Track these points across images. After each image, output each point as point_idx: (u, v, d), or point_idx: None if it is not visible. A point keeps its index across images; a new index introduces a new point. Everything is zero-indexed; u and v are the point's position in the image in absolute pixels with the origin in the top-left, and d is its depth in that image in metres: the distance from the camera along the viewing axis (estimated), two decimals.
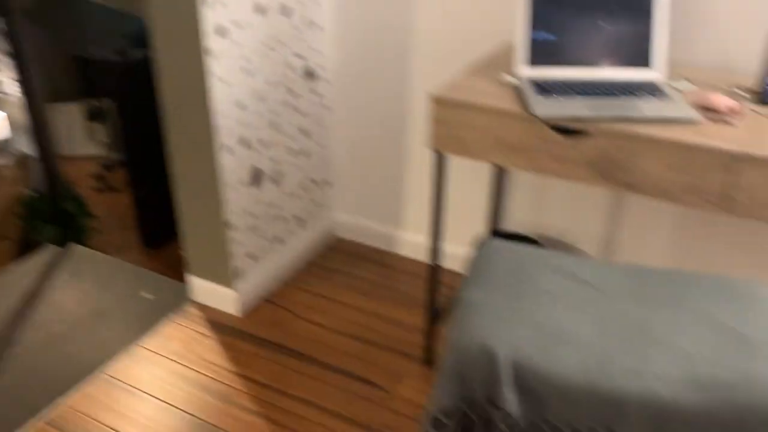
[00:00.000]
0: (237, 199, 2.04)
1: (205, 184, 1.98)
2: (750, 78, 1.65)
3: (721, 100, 1.43)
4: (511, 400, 1.02)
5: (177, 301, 2.24)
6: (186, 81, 1.84)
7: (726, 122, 1.41)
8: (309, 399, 1.86)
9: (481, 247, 1.34)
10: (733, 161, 1.31)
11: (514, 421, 1.02)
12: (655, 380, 1.00)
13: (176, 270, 2.37)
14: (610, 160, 1.42)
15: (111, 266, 2.44)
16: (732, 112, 1.43)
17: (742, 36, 1.68)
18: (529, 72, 1.61)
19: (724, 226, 1.90)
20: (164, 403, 1.84)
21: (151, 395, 1.87)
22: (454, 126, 1.55)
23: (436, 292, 1.87)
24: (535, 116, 1.44)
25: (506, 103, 1.50)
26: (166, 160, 2.19)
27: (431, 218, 1.73)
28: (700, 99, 1.49)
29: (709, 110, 1.46)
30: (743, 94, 1.54)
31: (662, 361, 1.03)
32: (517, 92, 1.56)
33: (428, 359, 1.99)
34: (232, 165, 1.98)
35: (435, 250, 1.77)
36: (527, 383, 1.03)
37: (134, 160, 2.58)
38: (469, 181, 2.24)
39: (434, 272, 1.82)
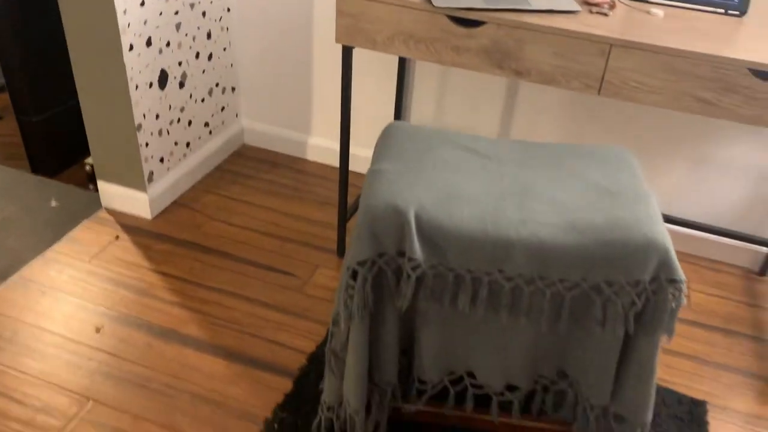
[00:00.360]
0: (145, 102, 2.04)
1: (112, 87, 1.97)
2: None
3: None
4: (417, 250, 1.16)
5: (88, 208, 2.24)
6: None
7: (603, 13, 1.57)
8: (226, 289, 1.96)
9: (387, 128, 1.46)
10: (608, 47, 1.48)
11: (420, 267, 1.17)
12: (537, 226, 1.18)
13: (81, 185, 2.36)
14: (502, 49, 1.56)
15: (14, 177, 2.38)
16: (606, 3, 1.59)
17: None
18: None
19: (599, 106, 2.11)
20: (83, 301, 1.88)
21: (69, 294, 1.90)
22: (360, 19, 1.63)
23: (347, 188, 1.98)
24: (435, 7, 1.54)
25: None
26: (54, 79, 2.12)
27: (342, 110, 1.82)
28: None
29: (588, 3, 1.61)
30: None
31: (543, 211, 1.21)
32: None
33: (341, 251, 2.12)
34: (139, 66, 1.97)
35: (346, 140, 1.87)
36: (430, 235, 1.17)
37: (16, 83, 2.42)
38: (374, 88, 2.33)
39: (345, 164, 1.92)
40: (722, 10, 1.66)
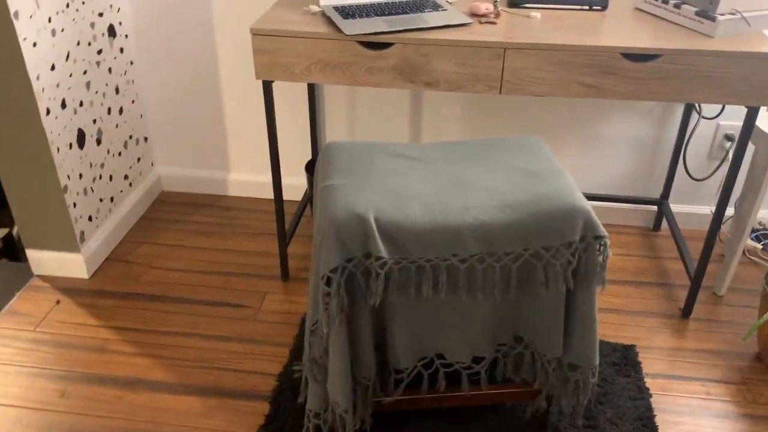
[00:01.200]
0: (68, 163, 2.06)
1: (34, 153, 1.97)
2: None
3: (482, 5, 1.81)
4: (382, 250, 1.30)
5: (18, 278, 2.20)
6: None
7: (491, 22, 1.78)
8: (182, 331, 2.00)
9: (325, 148, 1.59)
10: (503, 50, 1.69)
11: (387, 264, 1.31)
12: (478, 211, 1.34)
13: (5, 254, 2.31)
14: (411, 65, 1.73)
15: None
16: (492, 13, 1.81)
17: None
18: (329, 1, 1.86)
19: (493, 103, 2.34)
20: (39, 369, 1.86)
21: (22, 366, 1.87)
22: (277, 54, 1.76)
23: (283, 214, 2.08)
24: (346, 35, 1.70)
25: (319, 28, 1.74)
26: None
27: (269, 141, 1.92)
28: (469, 8, 1.85)
29: (476, 15, 1.82)
30: (499, 0, 1.93)
31: (480, 197, 1.38)
32: (325, 18, 1.80)
33: (286, 275, 2.22)
34: (57, 129, 1.99)
35: (277, 168, 1.98)
36: (390, 234, 1.31)
37: None
38: (289, 116, 2.45)
39: (279, 192, 2.02)
40: (587, 7, 1.92)
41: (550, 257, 1.35)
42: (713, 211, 2.25)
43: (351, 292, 1.35)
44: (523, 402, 1.73)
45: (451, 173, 1.47)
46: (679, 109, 2.26)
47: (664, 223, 2.48)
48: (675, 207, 2.45)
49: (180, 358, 1.90)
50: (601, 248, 1.35)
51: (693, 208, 2.45)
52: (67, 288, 2.17)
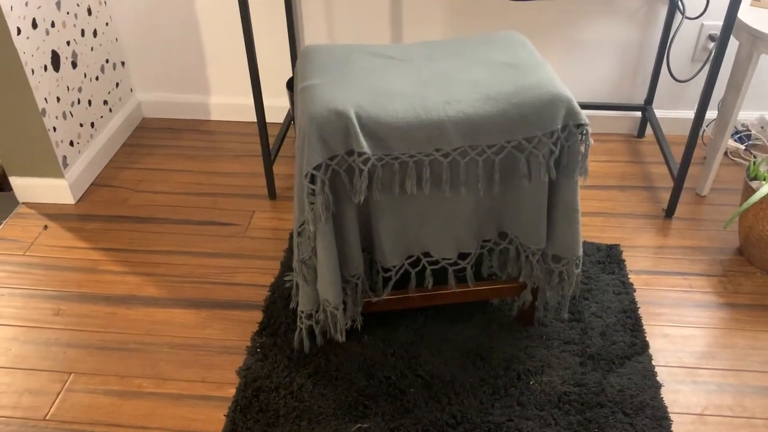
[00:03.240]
0: (44, 86, 2.02)
1: (9, 75, 1.93)
2: None
3: None
4: (364, 147, 1.30)
5: (4, 207, 2.20)
6: None
7: None
8: (172, 249, 2.01)
9: (303, 51, 1.57)
10: None
11: (369, 160, 1.31)
12: (460, 104, 1.34)
13: None
14: None
15: None
16: None
17: None
18: None
19: (482, 6, 2.31)
20: (31, 290, 1.88)
21: (14, 288, 1.89)
22: None
23: (266, 130, 2.06)
24: None
25: None
26: None
27: (248, 58, 1.89)
28: None
29: None
30: None
31: (462, 91, 1.37)
32: None
33: (273, 194, 2.22)
34: (30, 50, 1.94)
35: (258, 88, 1.95)
36: (372, 130, 1.31)
37: None
38: (267, 41, 2.40)
39: (261, 109, 2.00)
40: None
41: (533, 148, 1.35)
42: None
43: (335, 190, 1.35)
44: (509, 298, 1.77)
45: (432, 69, 1.46)
46: (663, 10, 2.23)
47: (649, 129, 2.49)
48: (659, 112, 2.45)
49: (171, 275, 1.92)
50: (583, 137, 1.36)
51: (677, 113, 2.45)
52: (54, 214, 2.17)
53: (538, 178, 1.38)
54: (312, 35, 2.39)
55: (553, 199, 1.44)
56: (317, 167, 1.30)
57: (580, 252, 1.49)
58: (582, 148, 1.37)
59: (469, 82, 1.40)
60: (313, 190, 1.31)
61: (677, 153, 2.37)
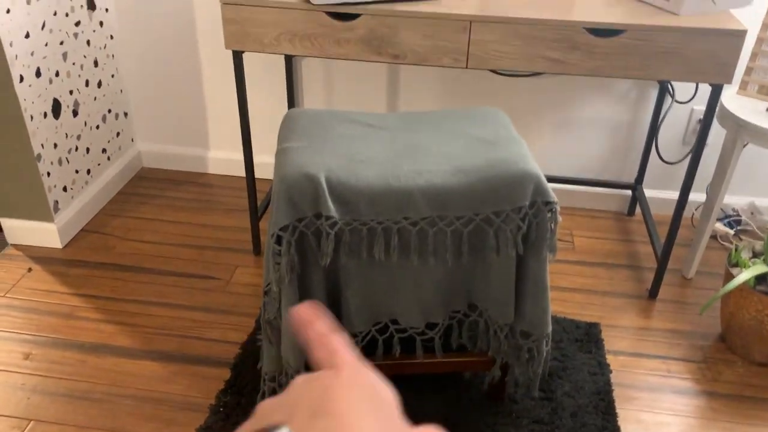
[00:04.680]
0: (42, 132, 2.07)
1: (8, 120, 1.99)
2: None
3: None
4: (331, 209, 1.31)
5: None
6: None
7: None
8: (150, 300, 2.01)
9: (287, 115, 1.60)
10: (468, 23, 1.70)
11: (337, 224, 1.32)
12: (431, 175, 1.36)
13: None
14: (378, 37, 1.75)
15: None
16: None
17: None
18: None
19: (473, 79, 2.36)
20: (6, 332, 1.88)
21: None
22: (246, 24, 1.77)
23: (255, 186, 2.09)
24: (314, 5, 1.71)
25: None
26: None
27: (240, 113, 1.94)
28: None
29: None
30: None
31: (433, 162, 1.39)
32: None
33: (258, 250, 2.23)
34: (31, 97, 2.01)
35: (248, 140, 1.99)
36: (341, 195, 1.32)
37: None
38: (266, 93, 2.47)
39: (250, 164, 2.04)
40: None
41: (501, 222, 1.36)
42: None
43: (303, 252, 1.36)
44: (480, 372, 1.74)
45: (407, 140, 1.48)
46: (653, 93, 2.27)
47: (638, 208, 2.49)
48: (649, 192, 2.46)
49: (146, 326, 1.91)
50: (551, 214, 1.36)
51: (667, 193, 2.45)
52: (40, 257, 2.19)
53: (506, 252, 1.38)
54: (311, 98, 2.45)
55: (522, 274, 1.43)
56: (284, 228, 1.31)
57: (549, 329, 1.47)
58: (550, 226, 1.37)
59: (443, 154, 1.42)
60: (279, 250, 1.32)
61: (665, 233, 2.35)
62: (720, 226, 2.36)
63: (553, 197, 1.35)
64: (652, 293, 2.07)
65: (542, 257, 1.40)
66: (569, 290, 2.10)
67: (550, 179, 2.45)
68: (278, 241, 1.32)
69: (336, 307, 1.49)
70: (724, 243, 2.34)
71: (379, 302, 1.46)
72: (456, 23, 1.70)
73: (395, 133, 1.52)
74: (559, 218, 1.37)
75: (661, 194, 2.46)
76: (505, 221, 1.35)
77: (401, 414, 0.38)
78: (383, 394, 0.37)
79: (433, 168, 1.37)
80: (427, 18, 1.71)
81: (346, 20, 1.73)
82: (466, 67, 1.76)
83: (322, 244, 1.34)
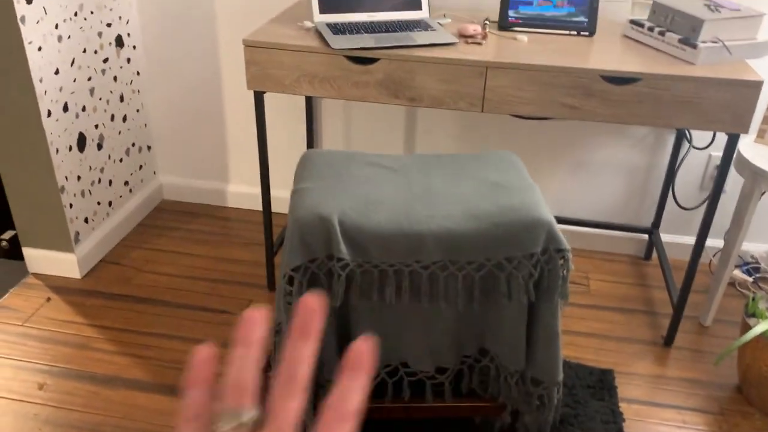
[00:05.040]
0: (66, 164, 2.13)
1: (34, 153, 2.04)
2: (494, 13, 2.10)
3: (471, 27, 1.85)
4: (343, 251, 1.32)
5: (13, 276, 2.26)
6: (1, 51, 1.89)
7: (477, 43, 1.83)
8: (164, 333, 2.03)
9: (304, 156, 1.63)
10: (484, 69, 1.73)
11: (348, 266, 1.33)
12: (443, 219, 1.37)
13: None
14: (395, 80, 1.78)
15: None
16: (479, 35, 1.85)
17: None
18: (324, 18, 1.92)
19: (489, 122, 2.37)
20: (21, 361, 1.91)
21: (6, 357, 1.92)
22: (268, 65, 1.82)
23: (271, 222, 2.12)
24: (333, 50, 1.75)
25: (309, 42, 1.80)
26: None
27: (259, 150, 1.97)
28: (458, 29, 1.90)
29: (464, 36, 1.87)
30: (489, 23, 1.98)
31: (447, 206, 1.40)
32: (317, 33, 1.86)
33: (272, 285, 2.25)
34: (58, 131, 2.06)
35: (266, 180, 2.02)
36: (354, 237, 1.34)
37: None
38: (286, 130, 2.51)
39: (267, 199, 2.06)
40: (575, 32, 1.95)
41: (513, 268, 1.36)
42: None
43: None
44: (490, 417, 1.72)
45: (422, 183, 1.50)
46: (671, 138, 2.27)
47: (656, 253, 2.47)
48: (666, 237, 2.44)
49: (159, 359, 1.93)
50: (564, 261, 1.36)
51: (684, 238, 2.43)
52: (59, 287, 2.22)
53: (518, 298, 1.38)
54: (329, 137, 2.49)
55: (534, 320, 1.42)
56: (296, 268, 1.32)
57: (561, 376, 1.46)
58: (562, 273, 1.37)
59: (456, 198, 1.43)
60: (291, 290, 1.33)
61: (682, 279, 2.33)
62: (738, 273, 2.33)
63: (566, 245, 1.35)
64: (668, 340, 2.04)
65: (554, 304, 1.39)
66: (583, 335, 2.08)
67: (566, 221, 2.44)
68: (290, 281, 1.33)
69: (347, 348, 1.49)
70: (742, 290, 2.30)
71: (390, 345, 1.46)
72: (472, 69, 1.73)
73: (410, 175, 1.54)
74: (572, 266, 1.37)
75: (678, 239, 2.44)
76: (517, 267, 1.36)
77: None
78: None
79: (445, 212, 1.39)
80: (444, 63, 1.74)
81: (364, 64, 1.77)
82: (482, 111, 1.78)
83: (334, 285, 1.35)
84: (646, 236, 2.45)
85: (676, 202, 2.30)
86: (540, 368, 1.45)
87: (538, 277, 1.37)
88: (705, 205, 2.32)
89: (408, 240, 1.34)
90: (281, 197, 2.64)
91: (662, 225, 2.42)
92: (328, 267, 1.35)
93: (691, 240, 2.42)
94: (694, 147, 2.26)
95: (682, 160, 2.27)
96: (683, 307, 1.97)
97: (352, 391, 0.38)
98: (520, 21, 1.95)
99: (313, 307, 0.39)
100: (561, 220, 2.45)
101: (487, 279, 1.38)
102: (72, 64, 2.09)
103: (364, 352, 0.40)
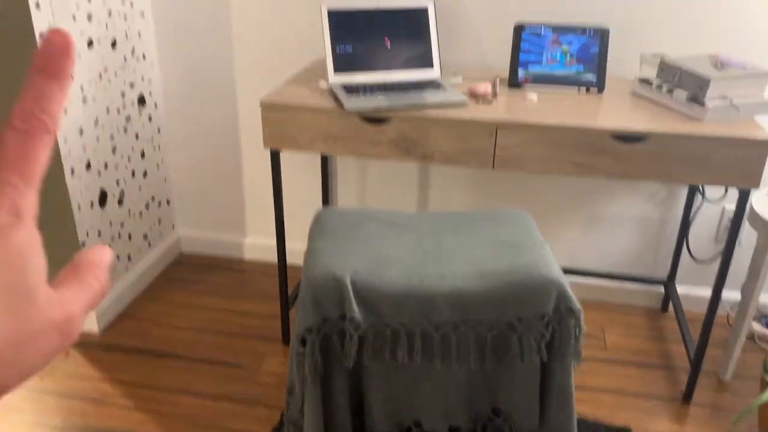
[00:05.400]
0: (88, 220, 2.18)
1: (56, 208, 2.10)
2: (504, 71, 2.16)
3: (481, 86, 1.90)
4: (356, 311, 1.34)
5: None
6: None
7: (487, 102, 1.87)
8: (180, 387, 2.04)
9: (318, 214, 1.66)
10: (495, 128, 1.76)
11: (360, 327, 1.35)
12: (454, 278, 1.38)
13: None
14: (408, 138, 1.82)
15: None
16: (489, 94, 1.90)
17: (493, 43, 2.19)
18: (338, 78, 1.98)
19: (501, 177, 2.40)
20: (38, 417, 1.92)
21: (23, 413, 1.94)
22: (284, 125, 1.87)
23: (286, 277, 2.14)
24: (347, 110, 1.80)
25: (324, 102, 1.85)
26: None
27: (275, 207, 2.01)
28: (468, 88, 1.94)
29: (475, 95, 1.91)
30: (499, 82, 2.02)
31: (457, 266, 1.42)
32: (331, 94, 1.92)
33: (286, 339, 2.26)
34: (80, 188, 2.12)
35: (282, 236, 2.06)
36: (366, 297, 1.36)
37: None
38: (302, 184, 2.56)
39: (283, 254, 2.09)
40: (585, 89, 1.99)
41: (524, 328, 1.37)
42: None
43: (327, 353, 1.38)
44: None
45: (433, 241, 1.52)
46: (683, 191, 2.28)
47: (672, 305, 2.45)
48: (681, 288, 2.42)
49: (173, 414, 1.93)
50: (575, 321, 1.36)
51: (700, 290, 2.42)
52: (78, 341, 2.25)
53: (530, 358, 1.38)
54: (344, 192, 2.53)
55: (547, 380, 1.42)
56: (308, 330, 1.34)
57: None
58: (575, 333, 1.37)
59: (466, 257, 1.45)
60: (303, 351, 1.34)
61: (698, 331, 2.31)
62: (757, 327, 2.30)
63: (577, 305, 1.36)
64: (687, 397, 2.01)
65: (567, 364, 1.39)
66: (599, 390, 2.05)
67: (581, 273, 2.44)
68: (303, 341, 1.35)
69: (359, 408, 1.50)
70: (761, 344, 2.27)
71: (402, 404, 1.46)
72: (482, 128, 1.77)
73: (421, 234, 1.56)
74: (584, 326, 1.37)
75: (694, 291, 2.42)
76: (529, 327, 1.36)
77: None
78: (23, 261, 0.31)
79: (456, 271, 1.40)
80: (455, 123, 1.78)
81: (377, 124, 1.81)
82: (493, 168, 1.81)
83: (346, 345, 1.36)
84: (662, 288, 2.44)
85: (691, 254, 2.30)
86: (554, 428, 1.44)
87: (550, 337, 1.37)
88: (720, 257, 2.31)
89: (419, 300, 1.36)
90: (297, 249, 2.67)
91: (678, 277, 2.41)
92: (340, 327, 1.36)
93: (707, 292, 2.41)
94: (707, 200, 2.26)
95: (696, 213, 2.27)
96: (701, 362, 1.95)
97: (51, 97, 0.32)
98: (530, 79, 1.99)
99: (62, 44, 0.32)
100: (575, 272, 2.45)
101: (498, 338, 1.39)
102: (96, 124, 2.17)
103: (60, 45, 0.32)
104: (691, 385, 1.99)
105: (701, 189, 2.23)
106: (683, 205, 2.30)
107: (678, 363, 2.18)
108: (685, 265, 2.39)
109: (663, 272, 2.43)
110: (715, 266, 2.37)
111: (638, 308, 2.47)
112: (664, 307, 2.44)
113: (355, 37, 1.98)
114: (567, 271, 2.46)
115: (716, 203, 2.27)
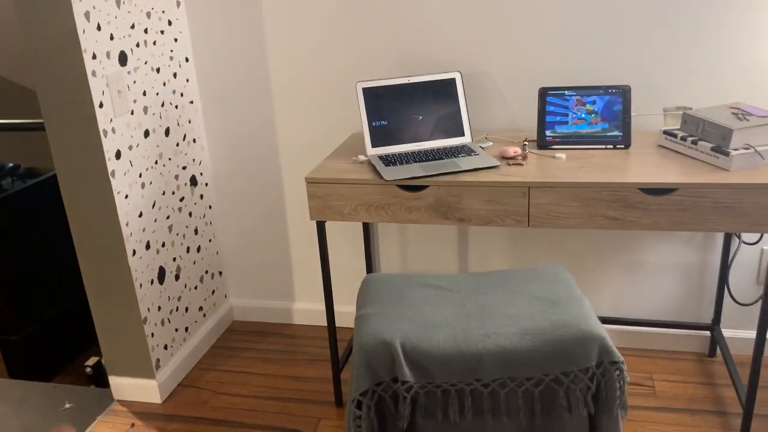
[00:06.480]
0: (149, 297, 2.32)
1: (120, 289, 2.25)
2: (532, 133, 2.26)
3: (511, 149, 2.00)
4: (407, 374, 1.42)
5: (100, 403, 2.42)
6: (93, 202, 2.14)
7: (518, 164, 1.97)
8: None
9: (364, 281, 1.76)
10: (527, 189, 1.86)
11: (412, 389, 1.42)
12: (498, 337, 1.46)
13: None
14: (445, 204, 1.92)
15: (24, 388, 2.57)
16: (519, 155, 2.00)
17: (519, 106, 2.31)
18: (376, 151, 2.11)
19: (538, 233, 2.47)
20: None
21: None
22: (328, 198, 2.00)
23: (336, 343, 2.23)
24: (386, 181, 1.92)
25: (364, 175, 1.98)
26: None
27: (323, 275, 2.12)
28: (499, 151, 2.05)
29: (505, 158, 2.02)
30: (528, 143, 2.13)
31: (500, 325, 1.49)
32: (370, 166, 2.05)
33: (339, 401, 2.33)
34: (141, 267, 2.27)
35: (330, 304, 2.16)
36: (416, 359, 1.44)
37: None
38: (346, 250, 2.67)
39: (332, 322, 2.19)
40: (611, 146, 2.08)
41: (570, 382, 1.42)
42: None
43: (381, 415, 1.46)
44: None
45: (475, 302, 1.60)
46: (720, 236, 2.32)
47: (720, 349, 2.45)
48: (728, 332, 2.43)
49: None
50: (619, 373, 1.42)
51: (746, 333, 2.42)
52: (142, 412, 2.36)
53: (578, 411, 1.43)
54: (387, 257, 2.63)
55: None
56: (363, 393, 1.42)
57: None
58: (619, 384, 1.42)
59: (508, 316, 1.52)
60: (360, 414, 1.42)
61: (747, 374, 2.30)
62: None
63: (619, 357, 1.41)
64: None
65: (614, 416, 1.44)
66: None
67: (625, 322, 2.47)
68: (358, 405, 1.43)
69: None
70: None
71: None
72: (515, 189, 1.86)
73: (464, 294, 1.64)
74: (627, 376, 1.42)
75: (740, 334, 2.42)
76: (574, 381, 1.42)
77: None
78: None
79: (500, 330, 1.48)
80: (488, 186, 1.88)
81: (415, 191, 1.93)
82: (528, 226, 1.90)
83: (399, 407, 1.44)
84: (708, 333, 2.45)
85: (732, 298, 2.32)
86: None
87: (596, 389, 1.43)
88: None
89: (466, 360, 1.43)
90: (344, 312, 2.76)
91: (723, 320, 2.42)
92: (393, 389, 1.44)
93: (751, 334, 2.41)
94: (744, 242, 2.29)
95: (734, 256, 2.30)
96: (753, 406, 1.95)
97: None
98: (558, 139, 2.09)
99: None
100: (619, 321, 2.48)
101: (546, 393, 1.45)
102: (153, 206, 2.33)
103: None
104: (745, 429, 1.98)
105: (737, 232, 2.27)
106: (721, 248, 2.33)
107: (730, 408, 2.18)
108: (728, 308, 2.40)
109: (707, 316, 2.44)
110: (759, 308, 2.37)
111: (685, 354, 2.48)
112: (712, 352, 2.45)
113: (389, 111, 2.12)
114: (611, 321, 2.49)
115: (754, 245, 2.30)
